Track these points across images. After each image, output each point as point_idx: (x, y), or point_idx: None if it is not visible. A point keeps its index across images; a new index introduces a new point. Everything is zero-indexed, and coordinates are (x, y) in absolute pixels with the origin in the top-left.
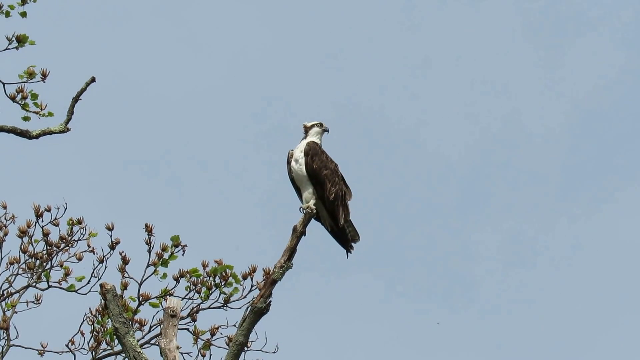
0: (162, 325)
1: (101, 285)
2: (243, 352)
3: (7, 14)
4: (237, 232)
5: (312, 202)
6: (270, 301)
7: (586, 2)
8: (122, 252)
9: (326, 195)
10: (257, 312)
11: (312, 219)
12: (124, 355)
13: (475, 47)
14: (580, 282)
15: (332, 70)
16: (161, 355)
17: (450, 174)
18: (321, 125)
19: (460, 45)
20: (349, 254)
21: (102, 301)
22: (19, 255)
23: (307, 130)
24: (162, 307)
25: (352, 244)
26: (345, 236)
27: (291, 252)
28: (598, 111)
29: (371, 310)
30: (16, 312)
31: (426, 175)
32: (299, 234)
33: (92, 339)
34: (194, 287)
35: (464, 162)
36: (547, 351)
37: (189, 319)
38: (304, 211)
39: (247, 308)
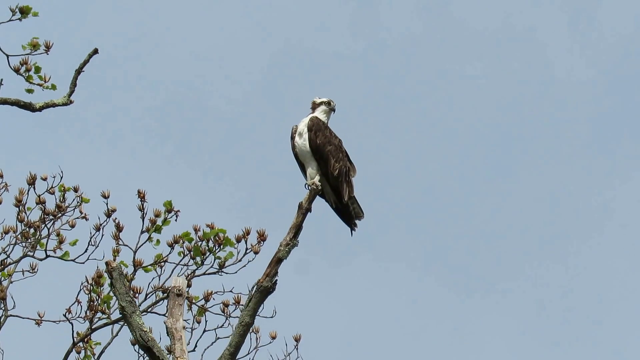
0: (167, 304)
1: (107, 264)
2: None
3: None
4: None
5: (317, 179)
6: (277, 280)
7: None
8: (116, 219)
9: (330, 171)
10: (263, 291)
11: (317, 195)
12: (121, 323)
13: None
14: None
15: None
16: (168, 335)
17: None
18: (329, 103)
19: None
20: (353, 231)
21: (108, 279)
22: (15, 225)
23: (315, 106)
24: (157, 273)
25: (356, 221)
26: (349, 213)
27: (297, 229)
28: None
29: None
30: (12, 282)
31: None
32: (304, 210)
33: (89, 308)
34: (188, 253)
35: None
36: None
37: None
38: (309, 187)
39: (253, 287)
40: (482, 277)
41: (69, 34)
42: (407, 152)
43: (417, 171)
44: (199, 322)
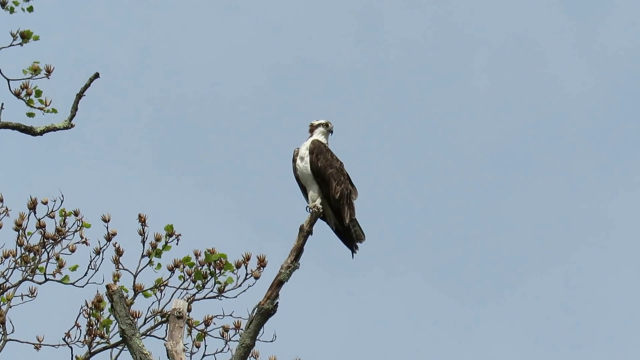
0: (168, 327)
1: (107, 287)
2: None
3: (12, 10)
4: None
5: (318, 201)
6: (277, 302)
7: None
8: (116, 243)
9: (331, 194)
10: (264, 313)
11: (319, 218)
12: (120, 347)
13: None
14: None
15: None
16: (168, 358)
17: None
18: (326, 125)
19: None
20: (354, 254)
21: (109, 303)
22: (15, 249)
23: (312, 128)
24: (157, 297)
25: (358, 243)
26: (350, 235)
27: (298, 252)
28: None
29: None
30: (11, 307)
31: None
32: (305, 233)
33: (88, 332)
34: (188, 277)
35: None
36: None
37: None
38: (311, 210)
39: (254, 310)
40: (487, 287)
41: (70, 56)
42: (410, 165)
43: (420, 184)
44: (198, 347)
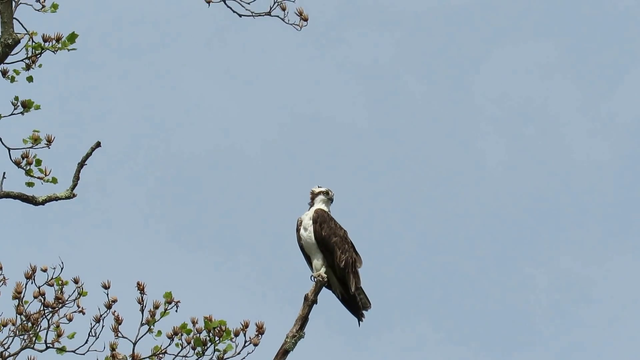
0: None
1: (113, 356)
2: None
3: (13, 79)
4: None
5: (322, 270)
6: None
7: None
8: (115, 311)
9: (336, 263)
10: None
11: (323, 287)
12: None
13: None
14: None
15: None
16: None
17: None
18: (327, 193)
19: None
20: (360, 322)
21: None
22: (15, 317)
23: (314, 196)
24: None
25: (364, 311)
26: (356, 304)
27: (303, 321)
28: None
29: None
30: None
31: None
32: (310, 302)
33: None
34: (187, 344)
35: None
36: None
37: None
38: (315, 279)
39: None
40: (498, 344)
41: (71, 124)
42: (416, 233)
43: (428, 252)
44: None
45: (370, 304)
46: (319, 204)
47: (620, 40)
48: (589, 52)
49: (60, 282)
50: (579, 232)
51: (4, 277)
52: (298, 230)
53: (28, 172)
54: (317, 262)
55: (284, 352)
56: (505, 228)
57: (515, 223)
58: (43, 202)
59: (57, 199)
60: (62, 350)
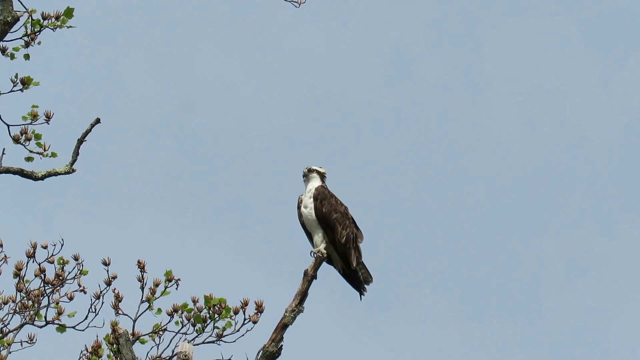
0: None
1: (114, 330)
2: None
3: (12, 57)
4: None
5: (322, 246)
6: (282, 345)
7: None
8: (115, 289)
9: (337, 239)
10: (269, 356)
11: (324, 262)
12: None
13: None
14: None
15: None
16: None
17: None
18: (317, 171)
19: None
20: (362, 296)
21: (115, 345)
22: (15, 294)
23: (307, 173)
24: (155, 343)
25: (365, 285)
26: (357, 278)
27: (302, 296)
28: None
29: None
30: (10, 352)
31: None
32: (310, 278)
33: None
34: (187, 322)
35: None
36: None
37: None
38: (315, 255)
39: (259, 352)
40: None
41: (71, 101)
42: (429, 207)
43: (440, 226)
44: None
45: (372, 278)
46: (316, 182)
47: (636, 15)
48: (605, 27)
49: (61, 261)
50: (591, 205)
51: (5, 256)
52: (299, 207)
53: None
54: (318, 238)
55: (283, 326)
56: (517, 201)
57: (528, 196)
58: (42, 178)
59: (56, 174)
60: (62, 327)
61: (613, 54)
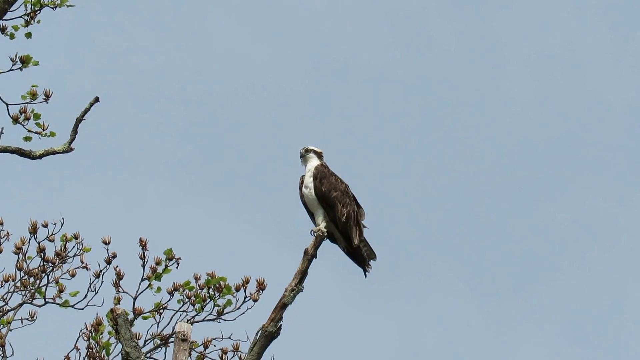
0: (173, 349)
1: (112, 310)
2: None
3: (12, 36)
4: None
5: (323, 225)
6: (281, 325)
7: None
8: (117, 267)
9: (338, 217)
10: (268, 335)
11: (326, 240)
12: None
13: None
14: None
15: None
16: None
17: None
18: (313, 151)
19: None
20: (366, 273)
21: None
22: (15, 273)
23: (304, 154)
24: (155, 320)
25: (370, 262)
26: (361, 255)
27: (302, 275)
28: None
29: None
30: (11, 330)
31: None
32: (310, 257)
33: (87, 355)
34: (187, 300)
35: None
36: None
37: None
38: (315, 234)
39: (258, 332)
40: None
41: (70, 79)
42: (442, 175)
43: (453, 194)
44: None
45: (375, 255)
46: (315, 161)
47: None
48: None
49: (64, 238)
50: (603, 172)
51: (7, 232)
52: (300, 187)
53: (36, 118)
54: (319, 217)
55: (282, 306)
56: (530, 168)
57: (540, 164)
58: (40, 156)
59: (54, 153)
60: (64, 304)
61: (629, 18)
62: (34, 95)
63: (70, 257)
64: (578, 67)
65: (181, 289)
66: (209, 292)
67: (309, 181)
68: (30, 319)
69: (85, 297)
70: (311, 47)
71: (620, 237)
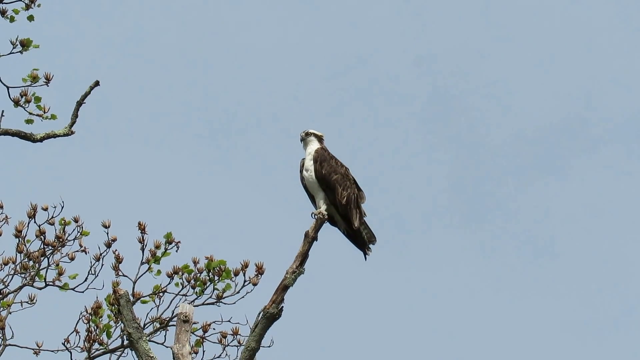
0: (175, 330)
1: (114, 291)
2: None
3: (12, 19)
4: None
5: (323, 208)
6: (283, 307)
7: None
8: (116, 250)
9: (338, 200)
10: (269, 317)
11: (326, 223)
12: (118, 353)
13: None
14: None
15: None
16: None
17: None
18: (314, 134)
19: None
20: (366, 256)
21: (115, 306)
22: (15, 255)
23: (304, 137)
24: (155, 304)
25: (370, 245)
26: (361, 238)
27: (303, 257)
28: None
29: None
30: (10, 313)
31: None
32: (310, 239)
33: (87, 338)
34: (187, 284)
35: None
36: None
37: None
38: (315, 217)
39: (259, 313)
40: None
41: (71, 63)
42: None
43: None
44: (196, 353)
45: (375, 238)
46: (316, 145)
47: None
48: None
49: (63, 222)
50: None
51: (7, 216)
52: (301, 171)
53: (36, 101)
54: (320, 200)
55: (283, 288)
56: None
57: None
58: (41, 140)
59: (55, 136)
60: (64, 287)
61: None
62: (34, 78)
63: (70, 241)
64: (587, 38)
65: (180, 273)
66: (208, 276)
67: (309, 164)
68: (30, 301)
69: (85, 280)
70: (319, 35)
71: None
